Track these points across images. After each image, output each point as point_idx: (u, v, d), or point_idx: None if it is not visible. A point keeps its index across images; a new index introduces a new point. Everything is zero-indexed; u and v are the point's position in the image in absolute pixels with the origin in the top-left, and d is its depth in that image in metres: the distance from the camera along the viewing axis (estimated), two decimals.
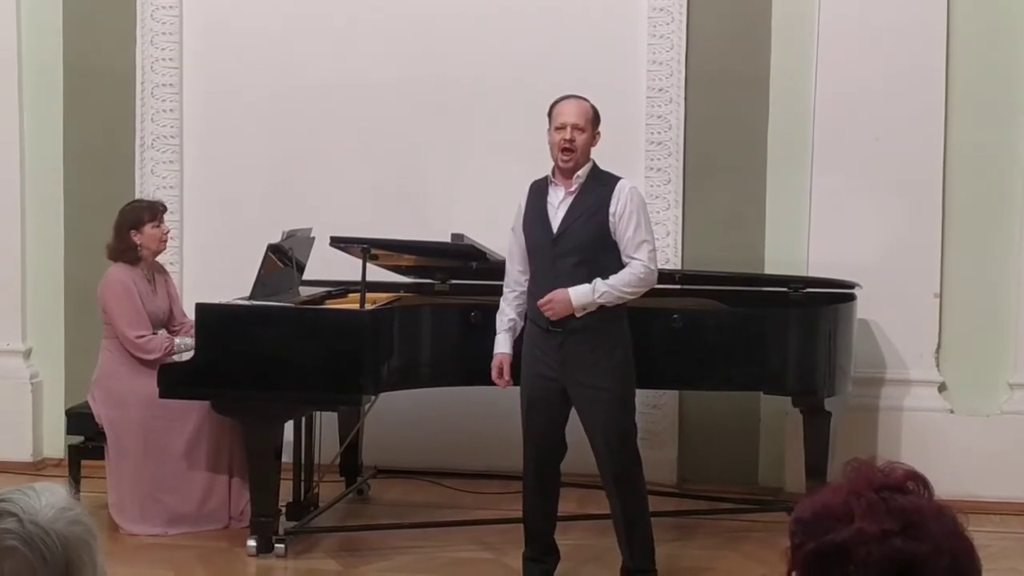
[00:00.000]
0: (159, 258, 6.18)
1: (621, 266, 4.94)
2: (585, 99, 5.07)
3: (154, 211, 6.03)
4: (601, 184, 5.00)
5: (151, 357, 5.85)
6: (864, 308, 6.20)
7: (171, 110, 7.05)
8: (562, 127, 4.97)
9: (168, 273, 6.30)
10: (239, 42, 7.04)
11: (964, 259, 6.53)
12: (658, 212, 6.75)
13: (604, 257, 4.94)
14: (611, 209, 4.94)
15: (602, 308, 4.91)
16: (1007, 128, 6.50)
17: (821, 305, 5.96)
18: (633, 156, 6.74)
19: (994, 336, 6.56)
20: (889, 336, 6.54)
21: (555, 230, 4.98)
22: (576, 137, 4.95)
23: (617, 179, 5.03)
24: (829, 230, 6.54)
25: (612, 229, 4.95)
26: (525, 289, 5.12)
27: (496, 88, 6.80)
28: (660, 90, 6.75)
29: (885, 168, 6.50)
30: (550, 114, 5.05)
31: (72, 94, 7.09)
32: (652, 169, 6.77)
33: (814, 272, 6.43)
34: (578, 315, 4.89)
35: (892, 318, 6.51)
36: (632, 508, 5.09)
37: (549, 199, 5.04)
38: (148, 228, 5.99)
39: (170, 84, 7.05)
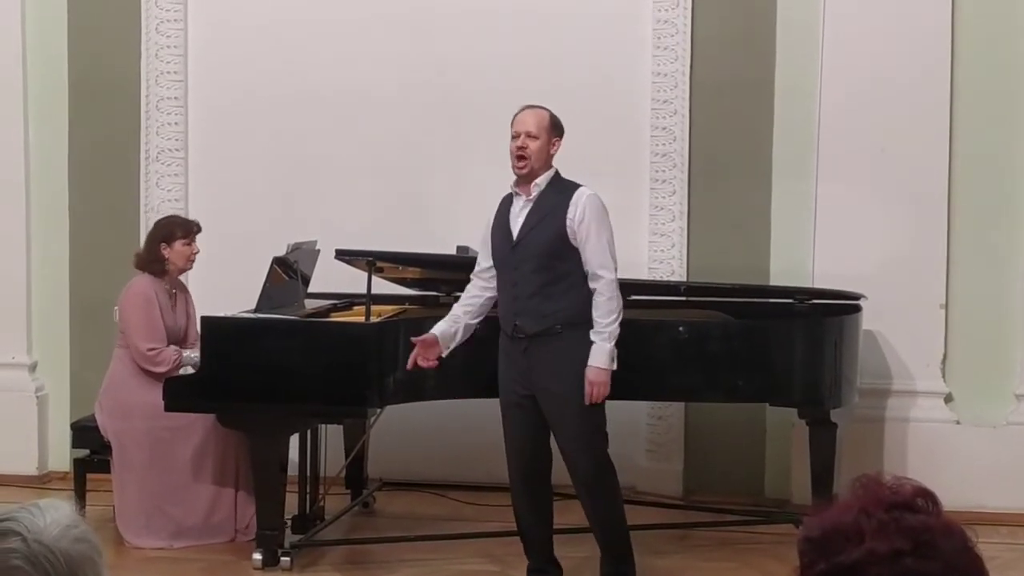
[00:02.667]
0: None
1: (579, 271, 4.99)
2: (543, 108, 5.16)
3: (187, 229, 6.07)
4: (559, 192, 5.06)
5: (159, 370, 5.85)
6: (870, 319, 6.19)
7: (176, 123, 7.06)
8: (516, 135, 5.07)
9: (189, 292, 6.28)
10: (243, 55, 7.05)
11: (970, 270, 6.52)
12: (663, 223, 6.76)
13: (561, 263, 5.00)
14: (569, 215, 4.99)
15: (562, 314, 4.96)
16: (1013, 138, 6.50)
17: (826, 316, 5.95)
18: (638, 168, 6.75)
19: (1000, 347, 6.55)
20: (895, 347, 6.53)
21: (515, 237, 5.06)
22: (529, 144, 5.03)
23: (577, 186, 5.08)
24: (834, 240, 6.54)
25: (571, 235, 4.99)
26: (483, 296, 5.19)
27: (500, 99, 6.75)
28: (664, 101, 6.75)
29: (890, 178, 6.50)
30: (511, 125, 5.14)
31: (77, 107, 7.10)
32: (657, 180, 6.77)
33: (819, 282, 6.43)
34: (614, 367, 4.94)
35: (898, 329, 6.50)
36: (604, 514, 5.14)
37: (512, 208, 5.13)
38: (179, 244, 6.01)
39: (175, 97, 7.06)
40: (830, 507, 1.50)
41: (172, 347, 5.97)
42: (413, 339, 5.12)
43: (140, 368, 5.90)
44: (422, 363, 5.11)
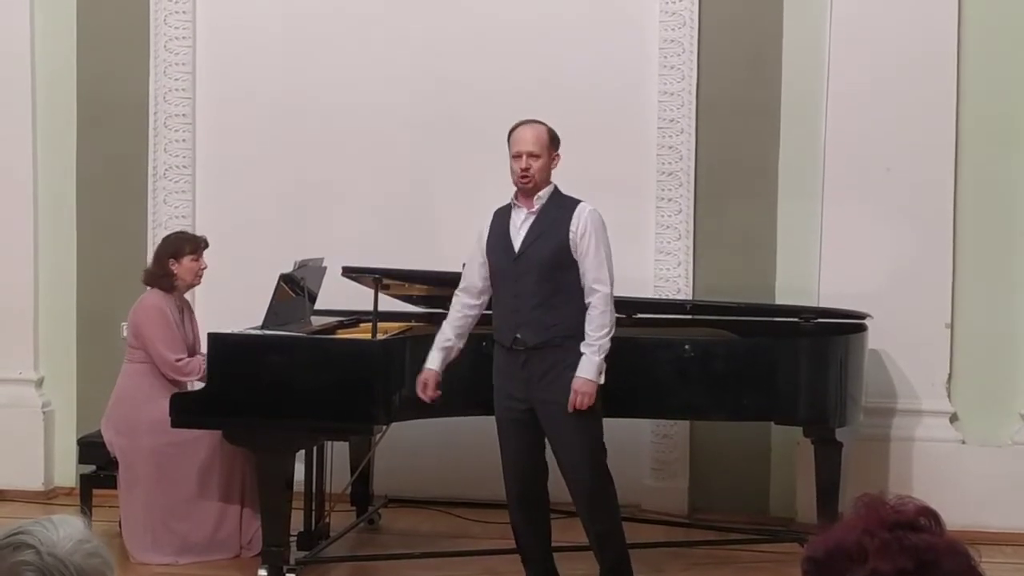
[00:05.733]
0: None
1: (579, 283, 5.05)
2: (541, 123, 5.23)
3: (195, 244, 6.10)
4: (561, 206, 5.14)
5: (189, 379, 5.90)
6: (875, 338, 6.19)
7: (184, 140, 7.09)
8: (518, 155, 5.14)
9: (193, 310, 6.30)
10: (251, 73, 7.08)
11: (975, 289, 6.52)
12: (669, 242, 6.78)
13: (563, 274, 5.07)
14: (571, 228, 5.07)
15: (563, 326, 5.02)
16: (1018, 158, 6.51)
17: (832, 335, 5.95)
18: (644, 187, 6.78)
19: (1006, 366, 6.55)
20: (900, 366, 6.53)
21: (517, 249, 5.10)
22: (531, 164, 5.12)
23: (578, 201, 5.16)
24: (840, 259, 6.54)
25: (572, 248, 5.06)
26: (471, 314, 5.28)
27: (507, 117, 6.75)
28: (671, 121, 6.77)
29: (896, 197, 6.51)
30: (508, 140, 5.21)
31: (85, 124, 7.13)
32: (663, 199, 6.79)
33: (825, 301, 6.44)
34: (601, 381, 4.99)
35: (903, 348, 6.50)
36: (602, 527, 5.17)
37: (512, 221, 5.18)
38: (187, 260, 6.04)
39: (183, 115, 7.09)
40: (833, 527, 1.51)
41: (197, 357, 5.99)
42: (426, 395, 5.23)
43: (148, 383, 5.91)
44: (425, 396, 5.24)
